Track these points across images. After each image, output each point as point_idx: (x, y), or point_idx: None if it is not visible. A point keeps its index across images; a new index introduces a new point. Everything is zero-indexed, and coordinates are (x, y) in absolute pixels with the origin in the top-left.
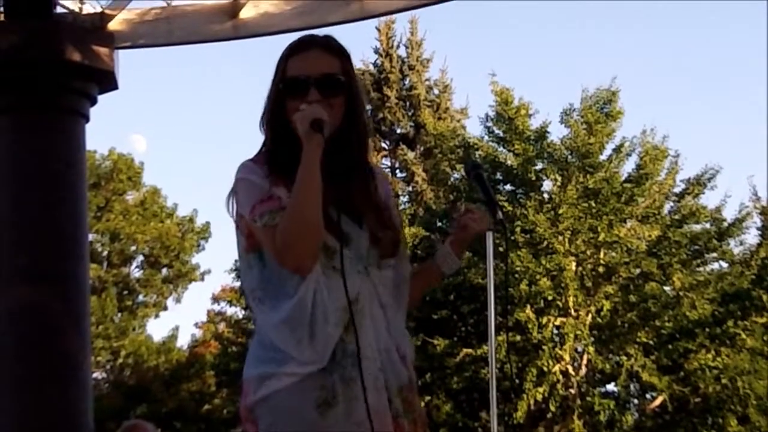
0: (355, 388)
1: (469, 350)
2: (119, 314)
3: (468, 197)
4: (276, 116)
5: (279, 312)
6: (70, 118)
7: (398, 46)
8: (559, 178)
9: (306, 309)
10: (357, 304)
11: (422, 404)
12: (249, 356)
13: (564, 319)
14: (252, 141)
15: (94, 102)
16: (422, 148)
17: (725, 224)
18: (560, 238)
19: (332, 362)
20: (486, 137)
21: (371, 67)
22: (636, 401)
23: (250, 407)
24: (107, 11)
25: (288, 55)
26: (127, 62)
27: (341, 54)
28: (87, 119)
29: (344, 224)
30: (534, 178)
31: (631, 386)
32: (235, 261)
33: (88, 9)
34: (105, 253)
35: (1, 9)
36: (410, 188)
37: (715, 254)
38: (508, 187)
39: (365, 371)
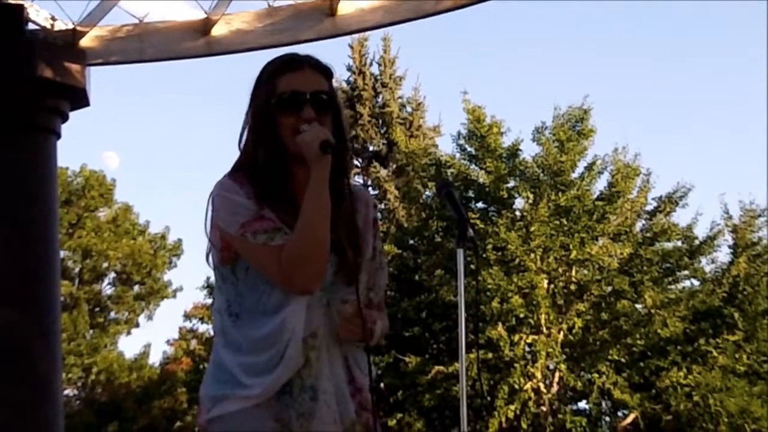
0: (312, 423)
1: (441, 368)
2: (91, 331)
3: (440, 215)
4: (267, 132)
5: (259, 328)
6: (42, 135)
7: (371, 64)
8: (531, 196)
9: (286, 330)
10: (315, 339)
11: (394, 422)
12: (206, 374)
13: (536, 337)
14: (224, 158)
15: (65, 119)
16: (394, 166)
17: (697, 242)
18: (532, 255)
19: (290, 397)
20: (458, 155)
21: (344, 85)
22: (608, 419)
23: (204, 425)
24: (79, 28)
25: (278, 71)
26: (99, 79)
27: (328, 74)
28: (58, 136)
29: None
30: (506, 196)
31: (603, 404)
32: (208, 278)
33: (60, 26)
34: (77, 270)
35: None
36: (382, 206)
37: (686, 272)
38: (480, 204)
39: (324, 406)
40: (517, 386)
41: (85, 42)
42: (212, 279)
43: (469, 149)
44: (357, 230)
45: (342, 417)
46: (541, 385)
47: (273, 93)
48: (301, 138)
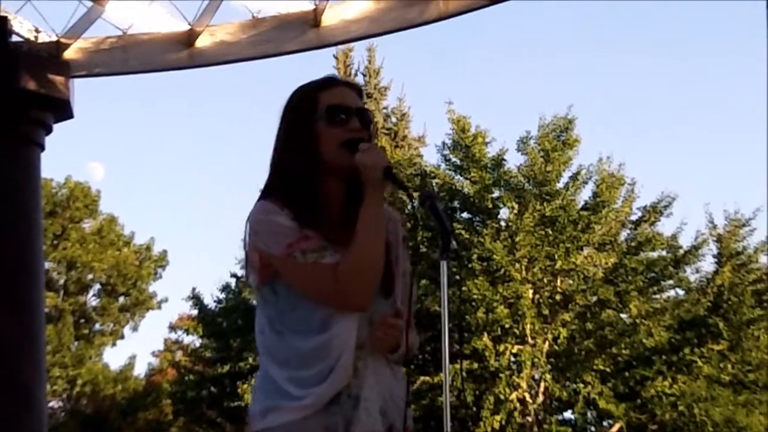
0: (353, 430)
1: (426, 378)
2: (76, 343)
3: (425, 225)
4: (305, 143)
5: (308, 341)
6: (26, 147)
7: (356, 74)
8: (516, 206)
9: (338, 343)
10: (362, 351)
11: None
12: (254, 392)
13: (521, 347)
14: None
15: (49, 131)
16: None
17: (681, 251)
18: (517, 265)
19: (337, 404)
20: (443, 165)
21: None
22: (593, 428)
23: None
24: (63, 40)
25: (318, 87)
26: (83, 90)
27: (361, 94)
28: (42, 148)
29: None
30: (491, 206)
31: (588, 413)
32: (193, 289)
33: (43, 38)
34: (61, 281)
35: None
36: None
37: (671, 281)
38: (465, 215)
39: (364, 413)
40: (502, 396)
41: (69, 54)
42: (198, 290)
43: (454, 159)
44: (390, 246)
45: (393, 428)
46: (527, 395)
47: (315, 107)
48: (363, 159)
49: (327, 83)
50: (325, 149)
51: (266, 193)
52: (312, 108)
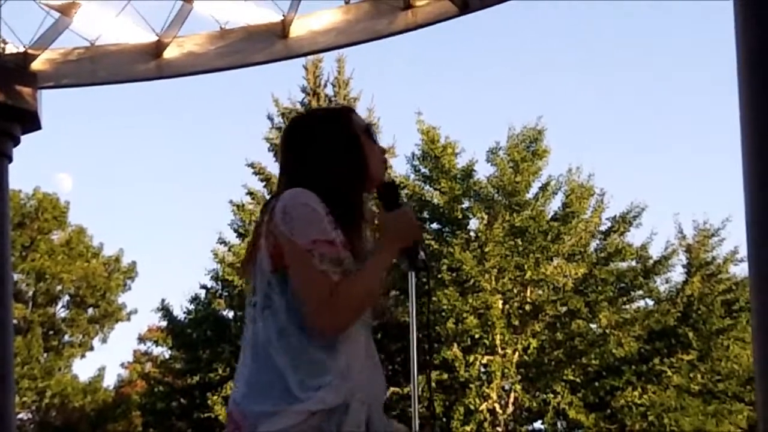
0: (345, 424)
1: (396, 389)
2: (45, 354)
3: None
4: (358, 153)
5: (322, 352)
6: None
7: (326, 85)
8: (486, 217)
9: (351, 358)
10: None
11: None
12: (249, 387)
13: (491, 357)
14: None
15: (17, 142)
16: None
17: (651, 262)
18: (487, 276)
19: (333, 410)
20: (412, 176)
21: (298, 106)
22: None
23: None
24: (30, 51)
25: (347, 112)
26: (51, 101)
27: None
28: (10, 159)
29: None
30: (460, 217)
31: (558, 424)
32: (162, 300)
33: (11, 49)
34: (30, 292)
35: None
36: None
37: (641, 292)
38: (434, 225)
39: (349, 422)
40: (472, 407)
41: (36, 65)
42: (167, 302)
43: (423, 170)
44: None
45: (367, 417)
46: (497, 406)
47: (352, 124)
48: (408, 216)
49: (349, 109)
50: (370, 161)
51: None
52: (351, 123)
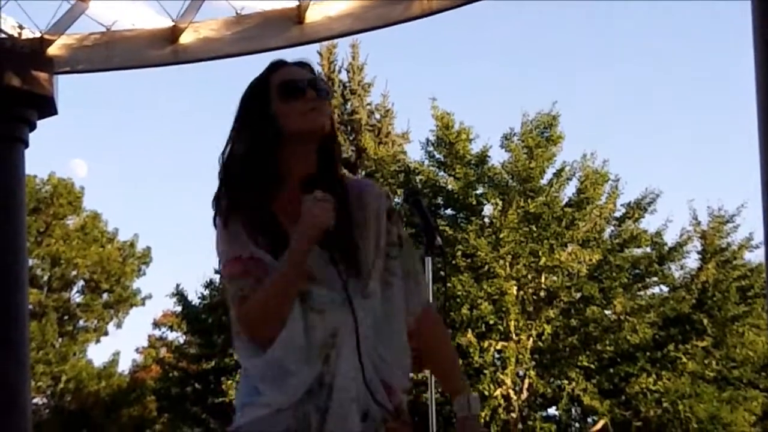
0: (329, 420)
1: (411, 374)
2: (60, 339)
3: (409, 222)
4: (264, 122)
5: (258, 354)
6: (9, 145)
7: (340, 71)
8: (500, 203)
9: (286, 351)
10: (336, 338)
11: None
12: (238, 386)
13: (505, 344)
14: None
15: (33, 127)
16: (363, 173)
17: (666, 248)
18: (501, 262)
19: (308, 393)
20: (427, 162)
21: None
22: (577, 425)
23: None
24: (46, 36)
25: (270, 71)
26: (67, 86)
27: (310, 69)
28: (26, 145)
29: (317, 258)
30: (475, 203)
31: (573, 410)
32: (177, 285)
33: (27, 34)
34: (45, 278)
35: None
36: None
37: (655, 278)
38: (448, 211)
39: (336, 402)
40: (486, 393)
41: (52, 50)
42: (182, 287)
43: (437, 156)
44: (352, 225)
45: (369, 413)
46: (511, 392)
47: (268, 89)
48: (310, 209)
49: (274, 66)
50: (286, 122)
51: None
52: (264, 91)
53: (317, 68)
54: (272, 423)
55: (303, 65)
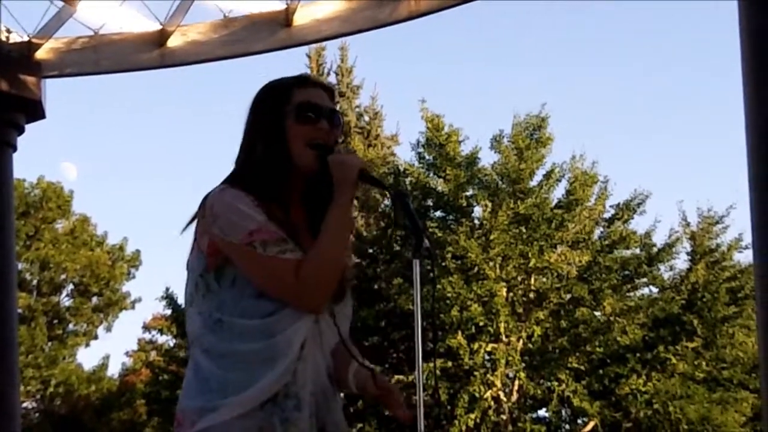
0: (291, 430)
1: (401, 377)
2: (49, 343)
3: (396, 223)
4: (278, 140)
5: (247, 342)
6: None
7: (328, 73)
8: (490, 204)
9: (284, 346)
10: (303, 350)
11: None
12: (187, 385)
13: (495, 345)
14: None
15: (21, 131)
16: None
17: (655, 249)
18: (491, 263)
19: (273, 404)
20: (416, 163)
21: None
22: (567, 426)
23: None
24: (34, 40)
25: (292, 84)
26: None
27: (333, 96)
28: (14, 149)
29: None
30: (465, 204)
31: (563, 411)
32: (167, 289)
33: (15, 38)
34: (34, 281)
35: None
36: None
37: (645, 279)
38: (438, 213)
39: (305, 414)
40: (477, 394)
41: (40, 54)
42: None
43: (427, 157)
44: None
45: (325, 427)
46: (501, 394)
47: (288, 103)
48: (338, 158)
49: (301, 81)
50: (292, 146)
51: (230, 181)
52: (284, 102)
53: (305, 70)
54: (239, 429)
55: (327, 89)
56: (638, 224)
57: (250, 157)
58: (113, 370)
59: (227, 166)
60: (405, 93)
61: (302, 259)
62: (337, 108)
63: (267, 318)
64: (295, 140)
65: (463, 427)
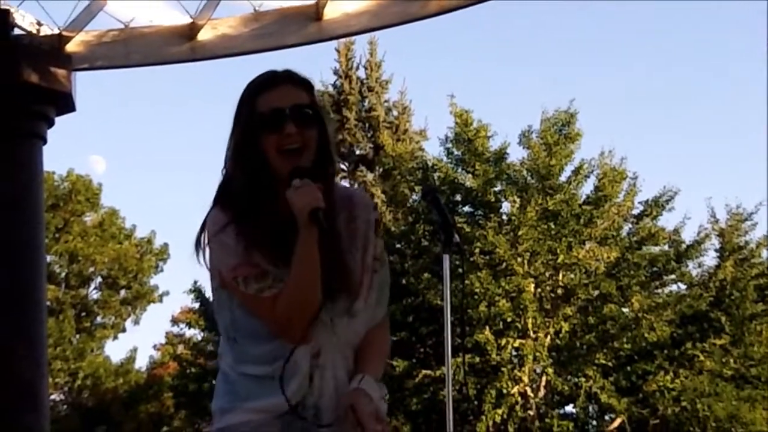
0: None
1: (428, 371)
2: (77, 336)
3: (426, 219)
4: (249, 152)
5: (260, 346)
6: (28, 141)
7: (357, 68)
8: (519, 200)
9: (292, 367)
10: (318, 358)
11: None
12: (215, 387)
13: (523, 341)
14: (209, 162)
15: (51, 124)
16: (381, 170)
17: (684, 246)
18: (519, 259)
19: (292, 414)
20: (445, 159)
21: (330, 89)
22: (595, 423)
23: None
24: (65, 33)
25: (255, 92)
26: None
27: (307, 86)
28: (44, 141)
29: None
30: (493, 200)
31: (590, 408)
32: (195, 282)
33: (45, 31)
34: (63, 274)
35: None
36: None
37: (673, 276)
38: (467, 208)
39: (325, 423)
40: (504, 390)
41: (70, 47)
42: (199, 283)
43: (456, 153)
44: (342, 247)
45: None
46: (528, 389)
47: (253, 113)
48: (291, 197)
49: (262, 86)
50: (267, 155)
51: (218, 198)
52: (250, 113)
53: (334, 65)
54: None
55: (292, 81)
56: (667, 221)
57: (227, 172)
58: (141, 363)
59: None
60: (434, 88)
61: (277, 294)
62: (308, 98)
63: (276, 341)
64: (268, 149)
65: (490, 423)
